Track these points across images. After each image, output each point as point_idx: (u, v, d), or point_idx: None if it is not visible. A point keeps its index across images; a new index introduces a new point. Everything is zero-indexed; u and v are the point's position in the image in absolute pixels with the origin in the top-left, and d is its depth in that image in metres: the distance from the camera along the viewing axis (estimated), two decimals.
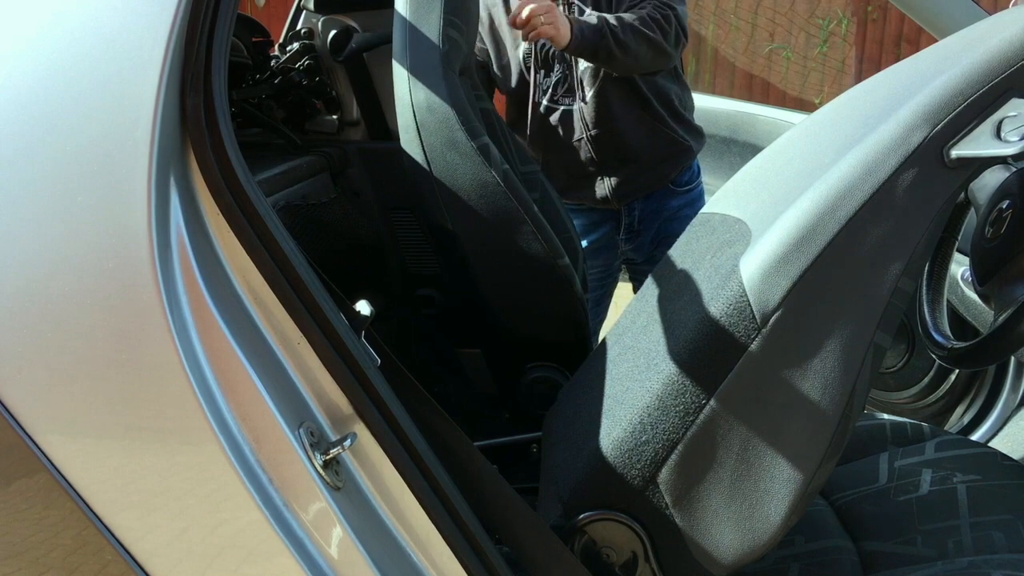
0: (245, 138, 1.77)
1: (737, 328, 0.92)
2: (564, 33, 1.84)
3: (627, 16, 1.92)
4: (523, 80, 2.11)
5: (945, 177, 0.92)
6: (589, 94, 2.04)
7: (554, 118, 2.10)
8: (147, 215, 0.75)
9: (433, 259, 1.72)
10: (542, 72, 2.08)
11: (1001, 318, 1.05)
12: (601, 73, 2.02)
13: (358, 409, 0.84)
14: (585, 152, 2.10)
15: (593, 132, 2.06)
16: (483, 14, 2.09)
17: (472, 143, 1.43)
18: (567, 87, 2.07)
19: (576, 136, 2.09)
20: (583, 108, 2.05)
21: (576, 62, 2.04)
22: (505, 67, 2.13)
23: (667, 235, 2.17)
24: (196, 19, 0.77)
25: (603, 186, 2.13)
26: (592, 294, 2.29)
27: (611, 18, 1.90)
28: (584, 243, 2.26)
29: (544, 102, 2.10)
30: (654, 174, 2.13)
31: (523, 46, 2.07)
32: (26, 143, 0.77)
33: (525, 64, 2.09)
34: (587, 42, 1.87)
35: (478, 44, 2.13)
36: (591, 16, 1.93)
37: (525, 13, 1.81)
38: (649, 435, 0.96)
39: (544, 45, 2.04)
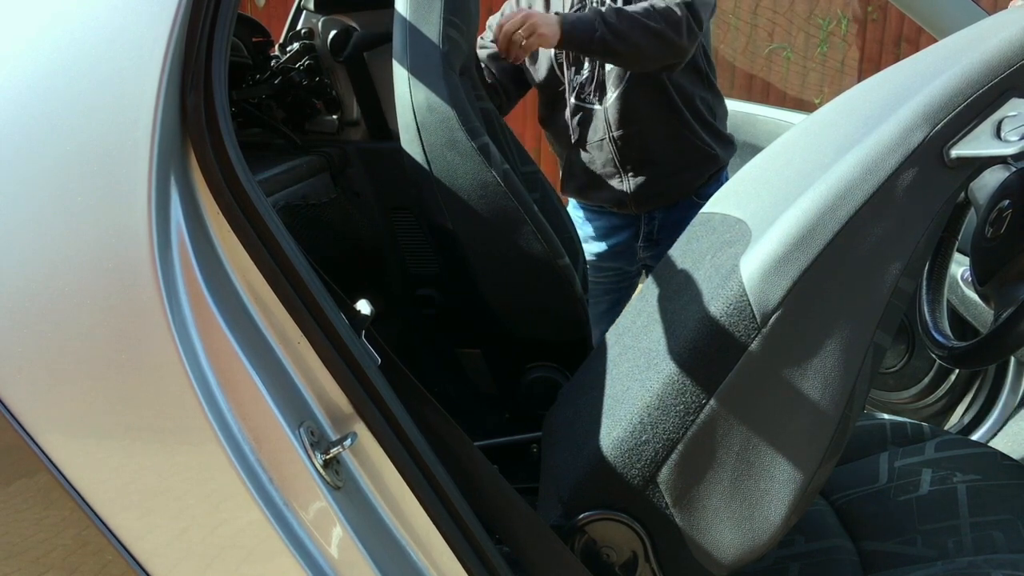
0: (245, 138, 1.77)
1: (737, 328, 0.92)
2: (551, 34, 1.78)
3: (631, 7, 1.85)
4: (554, 76, 2.09)
5: (945, 177, 0.92)
6: (614, 95, 2.02)
7: (581, 117, 2.09)
8: (147, 215, 0.75)
9: (433, 259, 1.72)
10: (573, 69, 2.06)
11: (1001, 318, 1.05)
12: (627, 74, 1.99)
13: (358, 409, 0.84)
14: (607, 153, 2.08)
15: (616, 133, 2.04)
16: (524, 3, 2.09)
17: (472, 143, 1.43)
18: (594, 86, 2.05)
19: (599, 136, 2.07)
20: (608, 108, 2.03)
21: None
22: (537, 61, 2.11)
23: None
24: (196, 19, 0.77)
25: (623, 189, 2.11)
26: (608, 296, 2.27)
27: (609, 9, 1.83)
28: (603, 246, 2.25)
29: (572, 100, 2.08)
30: (676, 181, 2.09)
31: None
32: (26, 143, 0.77)
33: (557, 60, 2.07)
34: (579, 37, 1.80)
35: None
36: (586, 9, 1.90)
37: (502, 42, 1.78)
38: (649, 435, 0.96)
39: None
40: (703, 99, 2.06)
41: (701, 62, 2.05)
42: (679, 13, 1.83)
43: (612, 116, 2.03)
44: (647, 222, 2.16)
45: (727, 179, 2.15)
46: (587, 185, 2.16)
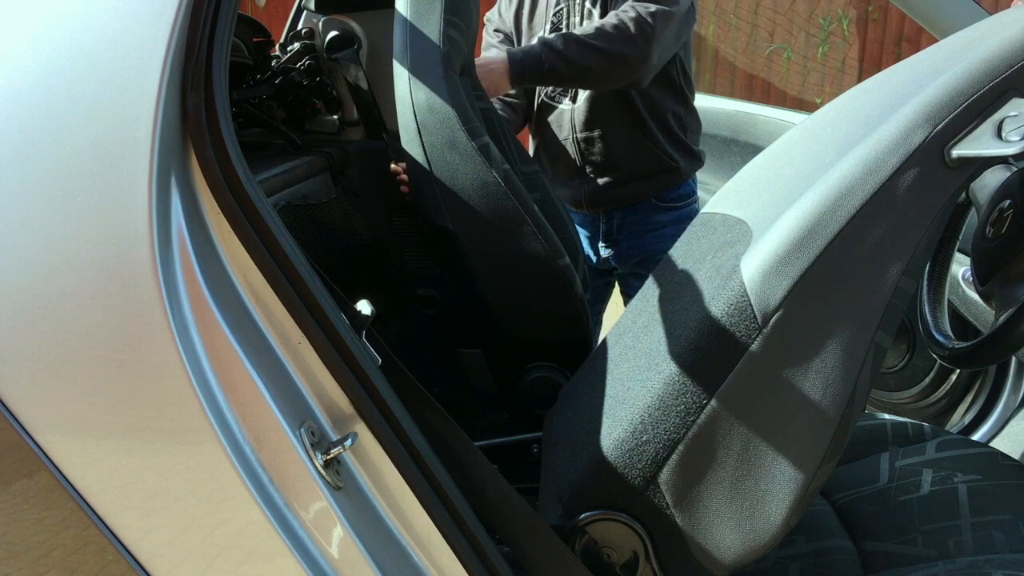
0: (246, 138, 1.77)
1: (738, 328, 0.92)
2: (496, 86, 1.81)
3: (584, 28, 1.85)
4: None
5: (946, 177, 0.92)
6: (582, 97, 2.05)
7: (551, 115, 2.11)
8: (148, 215, 0.75)
9: (433, 259, 1.72)
10: None
11: (1002, 318, 1.05)
12: None
13: (359, 409, 0.84)
14: (571, 153, 2.11)
15: (581, 135, 2.07)
16: (512, 4, 2.12)
17: (473, 143, 1.43)
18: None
19: (564, 135, 2.10)
20: (576, 109, 2.06)
21: None
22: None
23: (651, 253, 2.14)
24: (197, 19, 0.77)
25: (580, 190, 2.13)
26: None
27: (555, 38, 1.83)
28: None
29: (543, 97, 2.11)
30: (634, 188, 2.11)
31: (536, 38, 2.07)
32: (26, 143, 0.77)
33: None
34: (529, 73, 1.83)
35: (500, 29, 2.14)
36: (533, 41, 1.89)
37: None
38: (650, 435, 0.95)
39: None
40: (674, 112, 2.07)
41: (677, 76, 2.06)
42: (633, 29, 1.81)
43: (579, 118, 2.06)
44: (605, 221, 2.18)
45: (694, 186, 2.17)
46: (550, 180, 2.17)
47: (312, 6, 1.84)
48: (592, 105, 2.03)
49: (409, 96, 1.46)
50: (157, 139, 0.75)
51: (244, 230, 0.80)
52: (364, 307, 0.92)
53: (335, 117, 1.86)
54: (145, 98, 0.75)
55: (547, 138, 2.14)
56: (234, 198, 0.79)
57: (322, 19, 1.82)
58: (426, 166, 1.47)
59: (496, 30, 2.17)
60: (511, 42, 2.15)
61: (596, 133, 2.05)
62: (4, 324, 0.77)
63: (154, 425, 0.78)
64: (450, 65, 1.49)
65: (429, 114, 1.44)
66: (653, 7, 1.83)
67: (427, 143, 1.46)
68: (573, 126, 2.07)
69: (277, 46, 1.88)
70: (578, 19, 2.02)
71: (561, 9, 2.05)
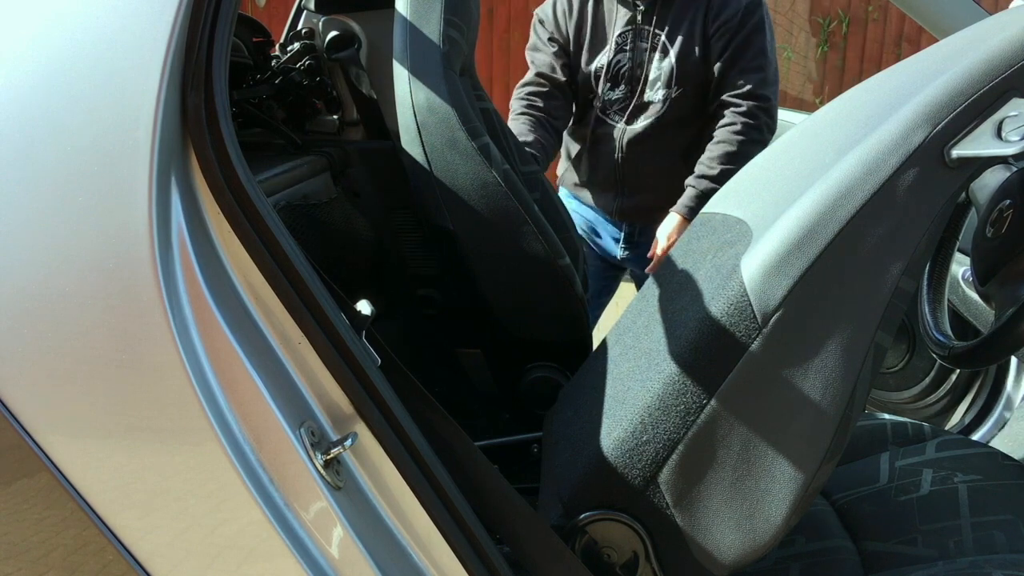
0: (246, 138, 1.76)
1: (738, 328, 0.92)
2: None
3: (721, 148, 1.97)
4: (588, 88, 2.16)
5: (946, 177, 0.92)
6: (643, 124, 2.08)
7: (600, 129, 2.16)
8: (148, 215, 0.75)
9: (433, 259, 1.72)
10: (608, 85, 2.12)
11: (1002, 318, 1.05)
12: (662, 110, 2.06)
13: (359, 409, 0.84)
14: (610, 169, 2.16)
15: (624, 155, 2.12)
16: (575, 8, 2.13)
17: (473, 143, 1.43)
18: (624, 105, 2.11)
19: (609, 150, 2.14)
20: (626, 130, 2.10)
21: (642, 90, 2.07)
22: (576, 71, 2.18)
23: None
24: (197, 19, 0.77)
25: (614, 202, 2.20)
26: (592, 284, 2.31)
27: (714, 173, 1.96)
28: (587, 236, 2.33)
29: (597, 111, 2.15)
30: (661, 212, 2.15)
31: (598, 61, 2.12)
32: (27, 143, 0.77)
33: (595, 75, 2.13)
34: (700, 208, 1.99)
35: (555, 38, 2.16)
36: (692, 186, 2.00)
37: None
38: (650, 435, 0.95)
39: (619, 62, 2.08)
40: None
41: None
42: (761, 131, 1.98)
43: (629, 139, 2.10)
44: (629, 225, 2.25)
45: None
46: (583, 186, 2.26)
47: (312, 6, 1.84)
48: (646, 131, 2.08)
49: (409, 96, 1.46)
50: (157, 139, 0.75)
51: (244, 230, 0.79)
52: (364, 307, 0.92)
53: (335, 117, 1.86)
54: (145, 98, 0.75)
55: (594, 144, 2.18)
56: (234, 198, 0.79)
57: (322, 19, 1.82)
58: (426, 166, 1.47)
59: (551, 39, 2.18)
60: (566, 55, 2.16)
61: (640, 156, 2.11)
62: (4, 324, 0.77)
63: (154, 425, 0.78)
64: (450, 65, 1.49)
65: (429, 114, 1.44)
66: (762, 114, 1.98)
67: (427, 143, 1.46)
68: (620, 145, 2.12)
69: (277, 46, 1.88)
70: (646, 45, 2.04)
71: (628, 32, 2.07)
